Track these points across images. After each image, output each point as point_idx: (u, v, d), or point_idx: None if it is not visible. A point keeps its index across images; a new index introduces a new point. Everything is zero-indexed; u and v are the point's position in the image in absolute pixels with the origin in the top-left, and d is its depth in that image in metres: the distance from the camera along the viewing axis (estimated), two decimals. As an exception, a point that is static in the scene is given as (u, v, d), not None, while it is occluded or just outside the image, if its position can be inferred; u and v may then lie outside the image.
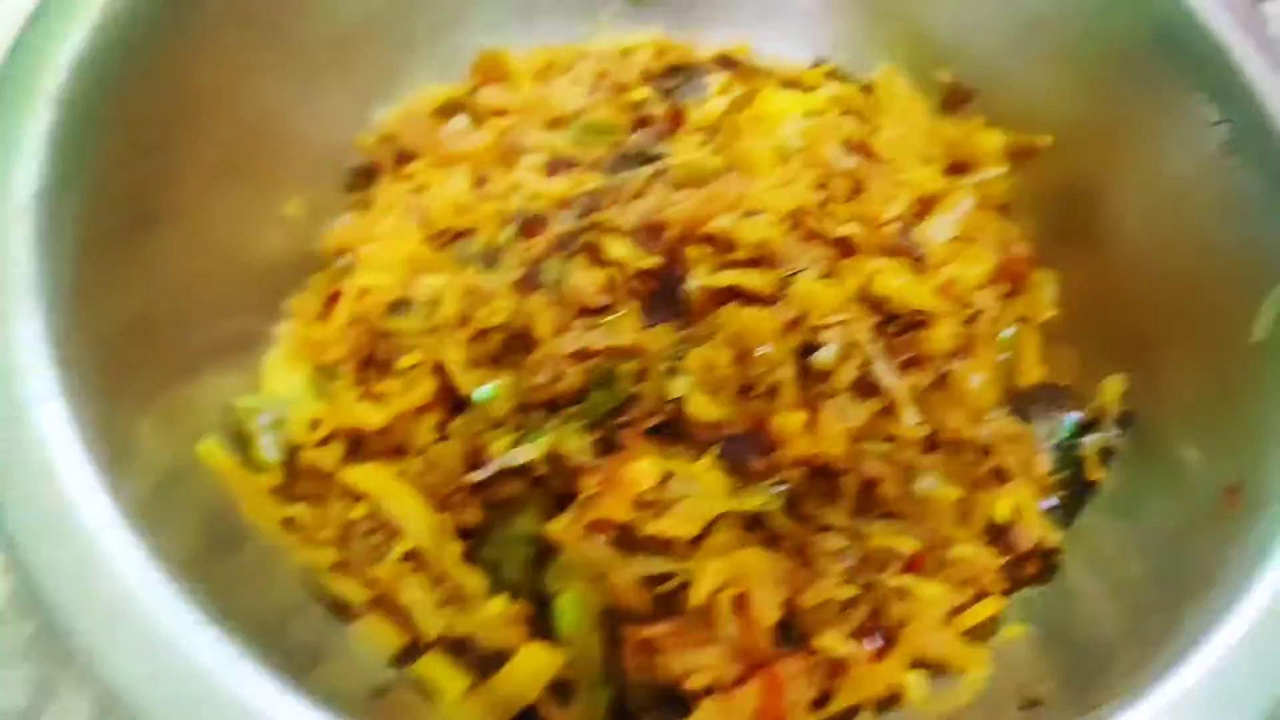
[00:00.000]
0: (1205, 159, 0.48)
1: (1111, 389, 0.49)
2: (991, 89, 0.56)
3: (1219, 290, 0.47)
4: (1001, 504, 0.45)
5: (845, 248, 0.47)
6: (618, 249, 0.46)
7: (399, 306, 0.46)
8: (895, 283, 0.45)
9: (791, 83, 0.57)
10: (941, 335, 0.45)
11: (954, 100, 0.57)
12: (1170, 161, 0.50)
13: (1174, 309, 0.49)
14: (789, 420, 0.42)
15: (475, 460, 0.42)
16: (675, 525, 0.40)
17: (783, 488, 0.42)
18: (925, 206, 0.50)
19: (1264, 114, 0.46)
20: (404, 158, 0.52)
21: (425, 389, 0.44)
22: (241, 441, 0.44)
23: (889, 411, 0.44)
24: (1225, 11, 0.48)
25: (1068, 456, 0.48)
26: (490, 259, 0.47)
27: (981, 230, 0.53)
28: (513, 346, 0.44)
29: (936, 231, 0.48)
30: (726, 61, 0.57)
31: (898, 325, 0.46)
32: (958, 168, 0.56)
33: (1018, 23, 0.54)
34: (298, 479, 0.44)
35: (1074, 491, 0.48)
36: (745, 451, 0.42)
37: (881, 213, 0.48)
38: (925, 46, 0.57)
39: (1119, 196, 0.52)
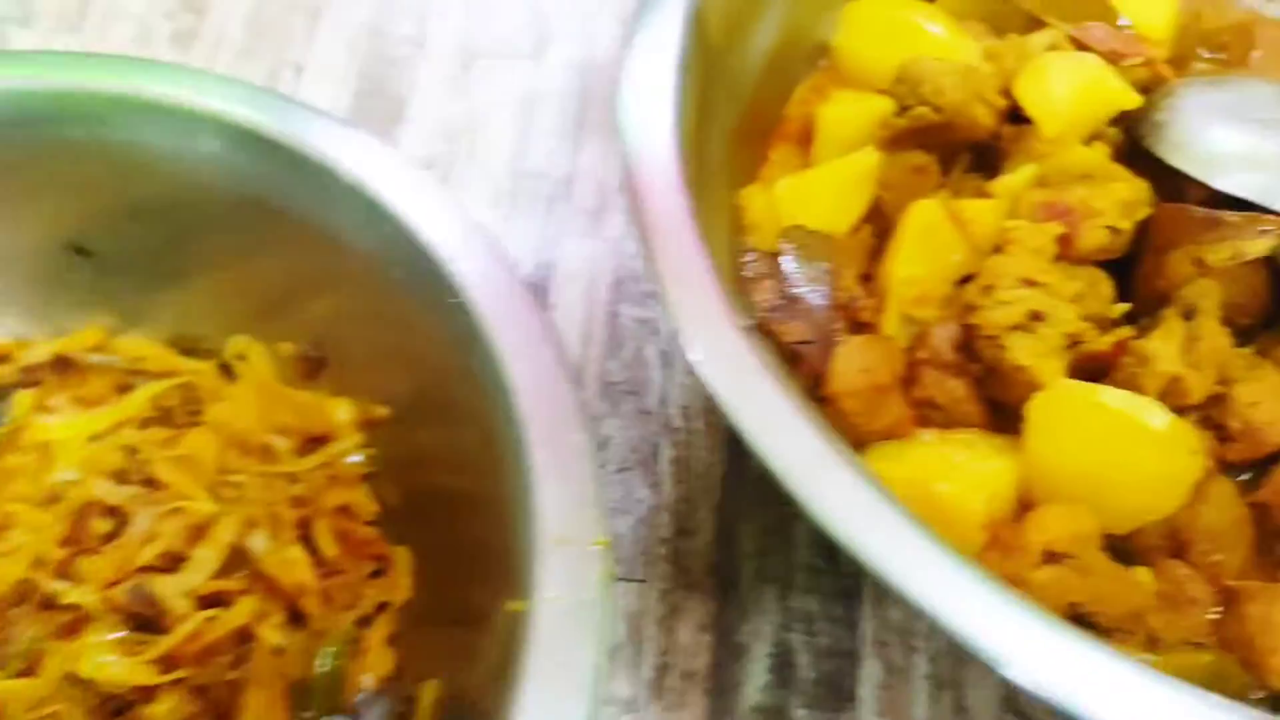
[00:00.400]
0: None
1: (429, 693, 0.46)
2: (343, 361, 0.53)
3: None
4: None
5: (76, 615, 0.43)
6: None
7: None
8: (100, 662, 0.41)
9: (137, 370, 0.53)
10: (163, 710, 0.41)
11: (308, 370, 0.53)
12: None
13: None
14: None
15: None
16: None
17: None
18: (198, 534, 0.46)
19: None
20: None
21: None
22: None
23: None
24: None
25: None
26: None
27: (344, 497, 0.50)
28: None
29: (187, 578, 0.44)
30: (62, 363, 0.53)
31: (119, 703, 0.42)
32: (316, 440, 0.52)
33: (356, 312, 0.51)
34: None
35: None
36: None
37: (135, 558, 0.44)
38: (279, 319, 0.54)
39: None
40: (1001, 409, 0.52)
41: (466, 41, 0.75)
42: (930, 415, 0.53)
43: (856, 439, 0.51)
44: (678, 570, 0.57)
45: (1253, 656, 0.49)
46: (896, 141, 0.60)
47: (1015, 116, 0.60)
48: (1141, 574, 0.48)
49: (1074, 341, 0.51)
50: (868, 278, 0.58)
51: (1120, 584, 0.47)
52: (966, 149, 0.61)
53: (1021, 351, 0.50)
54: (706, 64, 0.55)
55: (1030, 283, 0.52)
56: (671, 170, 0.48)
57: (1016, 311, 0.51)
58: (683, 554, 0.58)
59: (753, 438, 0.42)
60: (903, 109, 0.59)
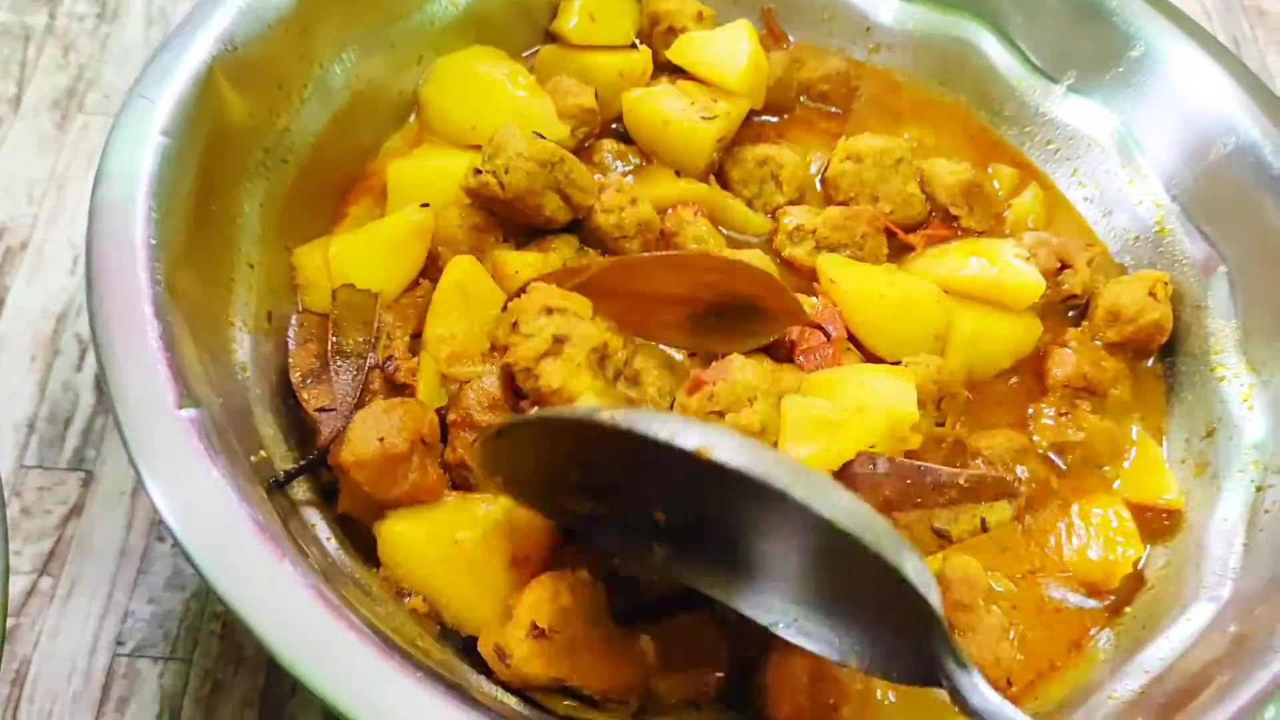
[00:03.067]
0: None
1: None
2: None
3: None
4: None
5: None
6: None
7: None
8: None
9: None
10: None
11: None
12: None
13: None
14: None
15: None
16: None
17: None
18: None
19: None
20: None
21: None
22: None
23: None
24: None
25: None
26: None
27: None
28: None
29: None
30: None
31: None
32: None
33: None
34: None
35: None
36: None
37: None
38: None
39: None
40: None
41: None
42: (465, 476, 0.52)
43: (374, 505, 0.50)
44: (228, 646, 0.56)
45: (765, 709, 0.49)
46: (471, 195, 0.59)
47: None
48: (645, 643, 0.48)
49: (603, 355, 0.52)
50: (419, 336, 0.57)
51: (609, 659, 0.46)
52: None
53: (554, 375, 0.50)
54: (224, 133, 0.54)
55: (550, 310, 0.52)
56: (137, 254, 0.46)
57: (541, 340, 0.51)
58: (236, 628, 0.56)
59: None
60: (477, 170, 0.57)
